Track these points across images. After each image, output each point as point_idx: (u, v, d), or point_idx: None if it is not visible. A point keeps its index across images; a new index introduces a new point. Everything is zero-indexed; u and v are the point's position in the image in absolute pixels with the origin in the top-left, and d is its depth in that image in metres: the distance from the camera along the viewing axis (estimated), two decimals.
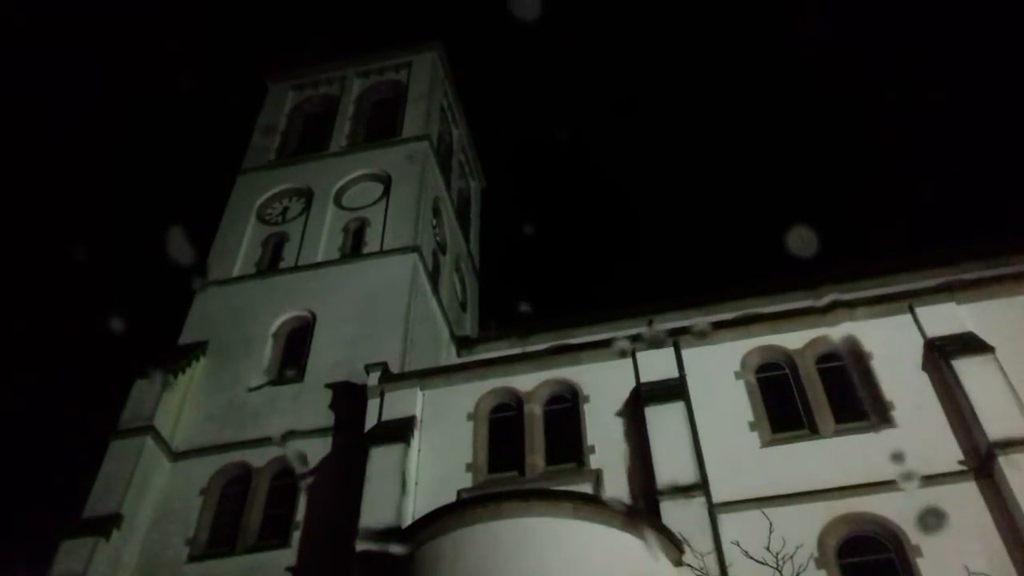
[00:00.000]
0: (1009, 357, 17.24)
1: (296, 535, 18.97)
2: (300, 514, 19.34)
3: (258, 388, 22.35)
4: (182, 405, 22.27)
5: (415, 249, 25.66)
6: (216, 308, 25.14)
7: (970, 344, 17.60)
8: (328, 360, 22.64)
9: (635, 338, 20.11)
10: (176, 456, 21.26)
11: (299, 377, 22.60)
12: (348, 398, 21.22)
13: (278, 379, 22.91)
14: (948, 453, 16.54)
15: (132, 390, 21.84)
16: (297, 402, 21.84)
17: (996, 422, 16.19)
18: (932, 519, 15.51)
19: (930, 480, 16.03)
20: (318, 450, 20.50)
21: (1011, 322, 18.19)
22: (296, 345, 23.80)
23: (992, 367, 17.05)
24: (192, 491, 20.42)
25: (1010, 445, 15.73)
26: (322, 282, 25.10)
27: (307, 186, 28.72)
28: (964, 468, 16.24)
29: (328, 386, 21.95)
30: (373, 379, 20.76)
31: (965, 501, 15.74)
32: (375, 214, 27.23)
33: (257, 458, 20.69)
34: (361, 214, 27.44)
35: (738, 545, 11.71)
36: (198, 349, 23.71)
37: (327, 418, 21.28)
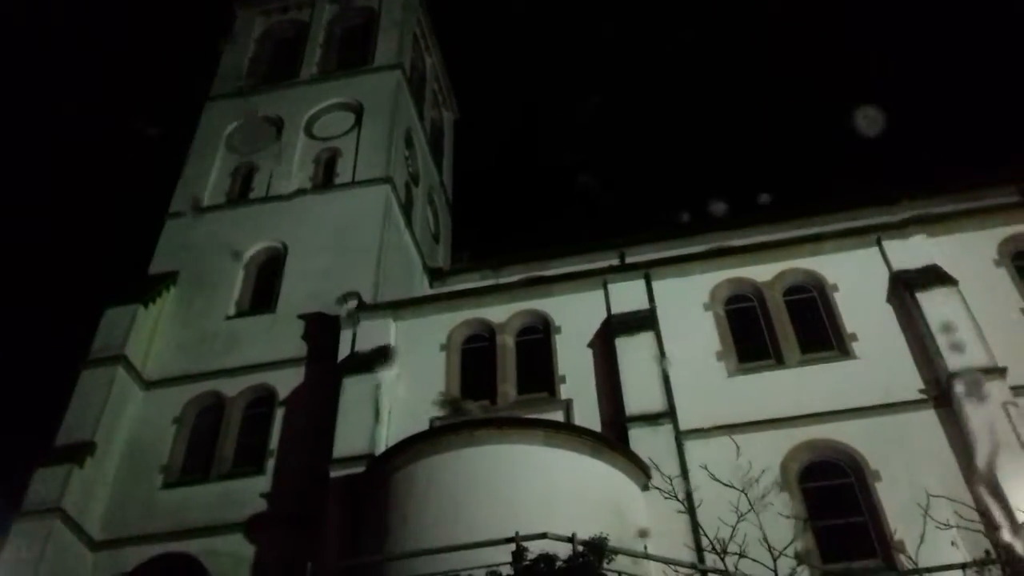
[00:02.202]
0: (973, 290, 17.61)
1: (270, 463, 19.21)
2: (274, 442, 19.56)
3: (232, 318, 22.35)
4: (153, 335, 22.23)
5: (387, 180, 25.48)
6: (186, 238, 24.94)
7: (934, 277, 17.93)
8: (300, 291, 22.63)
9: (606, 270, 20.28)
10: (148, 385, 21.32)
11: (271, 308, 22.59)
12: (321, 329, 21.29)
13: (250, 310, 22.89)
14: (909, 383, 16.97)
15: (102, 319, 21.78)
16: (270, 333, 21.89)
17: (955, 353, 16.60)
18: (891, 446, 16.04)
19: (891, 408, 16.53)
20: (291, 380, 20.64)
21: (977, 256, 18.52)
22: (268, 276, 23.73)
23: (955, 299, 17.41)
24: (165, 420, 20.55)
25: (969, 375, 16.13)
26: (293, 213, 24.92)
27: (277, 115, 28.24)
28: (924, 397, 16.70)
29: (301, 317, 21.98)
30: (346, 309, 20.82)
31: (924, 429, 16.23)
32: (347, 144, 26.91)
33: (230, 387, 20.80)
34: (332, 144, 27.10)
35: (706, 469, 12.03)
36: (168, 279, 23.58)
37: (300, 348, 21.37)
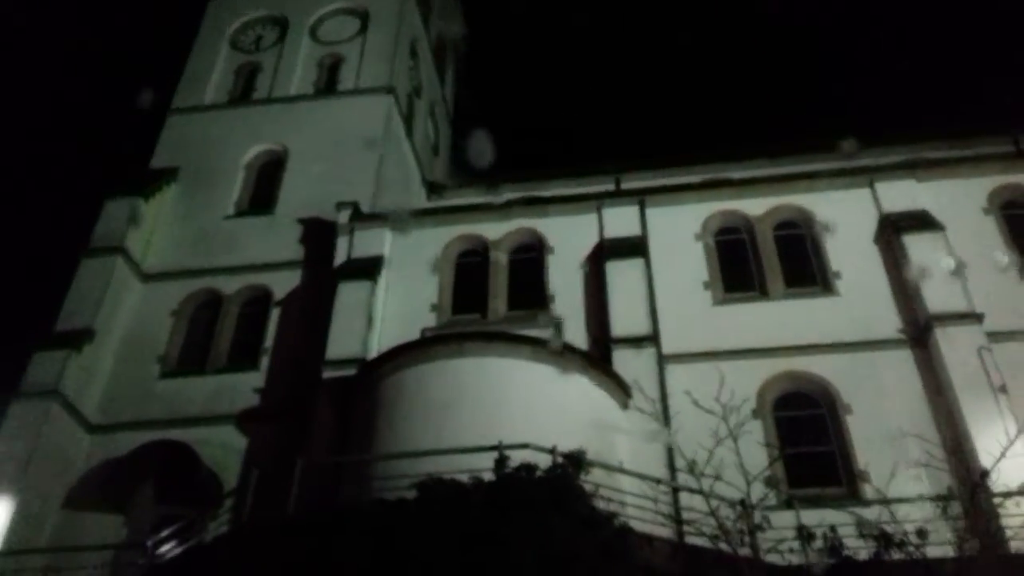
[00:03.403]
0: (959, 236, 17.97)
1: (264, 360, 19.72)
2: (268, 341, 20.04)
3: (231, 218, 22.54)
4: (152, 229, 22.45)
5: (390, 90, 25.36)
6: (187, 135, 24.92)
7: (922, 221, 18.24)
8: (299, 195, 22.79)
9: (602, 195, 20.50)
10: (147, 278, 21.64)
11: (270, 210, 22.77)
12: (318, 234, 21.53)
13: (249, 211, 23.07)
14: (888, 322, 17.44)
15: (103, 210, 21.96)
16: (267, 234, 22.12)
17: (937, 296, 17.04)
18: (865, 381, 16.58)
19: (868, 345, 17.03)
20: (287, 282, 20.99)
21: (966, 203, 18.78)
22: (267, 178, 23.83)
23: (940, 244, 17.77)
24: (163, 312, 20.94)
25: (948, 319, 16.62)
26: (295, 116, 24.86)
27: (282, 14, 27.86)
28: (902, 337, 17.19)
29: (299, 221, 22.20)
30: (343, 217, 21.05)
31: (898, 367, 16.77)
32: (351, 51, 26.67)
33: (227, 285, 21.17)
34: (336, 50, 26.85)
35: (689, 394, 12.47)
36: (169, 175, 23.66)
37: (296, 252, 21.66)
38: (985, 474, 12.27)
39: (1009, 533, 11.97)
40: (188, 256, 21.99)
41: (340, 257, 20.40)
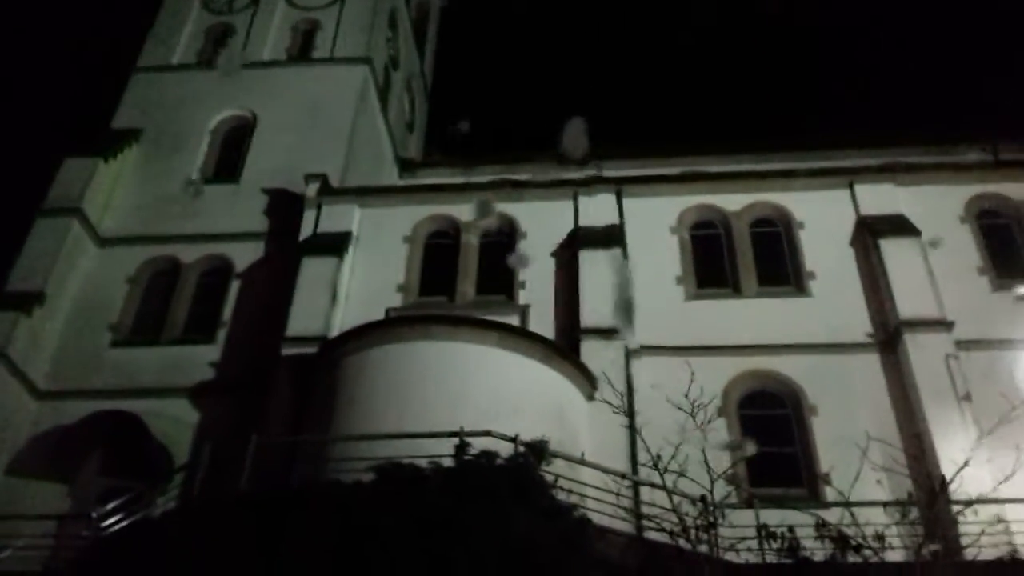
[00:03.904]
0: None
1: (222, 333, 19.20)
2: (227, 313, 19.51)
3: (194, 183, 21.89)
4: (112, 191, 21.75)
5: (367, 61, 24.82)
6: (152, 96, 24.17)
7: (899, 226, 18.18)
8: (266, 165, 22.21)
9: (579, 181, 20.22)
10: (103, 242, 20.98)
11: (235, 178, 22.17)
12: (284, 206, 21.03)
13: (213, 178, 22.45)
14: (858, 325, 17.36)
15: (61, 169, 21.21)
16: (231, 203, 21.56)
17: (908, 302, 16.98)
18: (832, 384, 16.51)
19: (837, 348, 16.96)
20: (250, 254, 20.46)
21: (943, 210, 18.74)
22: (234, 145, 23.21)
23: (915, 250, 17.72)
24: (118, 278, 20.33)
25: (917, 325, 16.59)
26: (266, 83, 24.23)
27: None
28: (871, 341, 17.13)
29: (265, 191, 21.65)
30: (311, 190, 20.57)
31: (866, 371, 16.71)
32: (327, 18, 26.03)
33: (187, 254, 20.61)
34: (312, 15, 26.20)
35: (658, 389, 12.29)
36: (131, 136, 22.95)
37: (261, 223, 21.13)
38: (946, 481, 12.21)
39: (966, 541, 11.90)
40: (147, 222, 21.34)
41: (306, 231, 19.92)
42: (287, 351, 17.40)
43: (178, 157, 22.63)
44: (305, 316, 18.00)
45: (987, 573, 11.11)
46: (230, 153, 22.97)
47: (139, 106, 23.87)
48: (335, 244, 19.37)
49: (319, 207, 20.24)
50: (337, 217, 20.04)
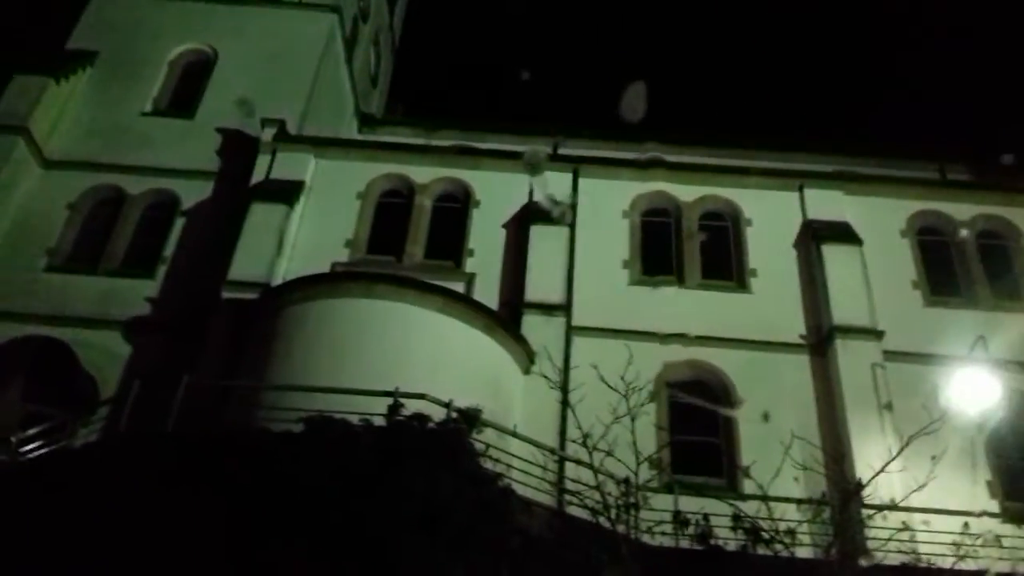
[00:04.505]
0: (875, 254, 18.39)
1: (162, 269, 18.90)
2: (169, 250, 19.18)
3: (147, 115, 21.36)
4: (61, 113, 21.11)
5: (336, 9, 24.38)
6: (111, 19, 23.37)
7: (843, 233, 18.61)
8: (223, 103, 21.72)
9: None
10: (48, 164, 20.39)
11: (190, 114, 21.68)
12: (238, 148, 20.66)
13: (167, 111, 21.91)
14: (792, 326, 17.78)
15: (10, 85, 20.49)
16: (184, 139, 21.08)
17: (843, 309, 17.44)
18: (761, 380, 16.89)
19: (769, 346, 17.35)
20: (198, 192, 20.11)
21: (887, 223, 19.24)
22: (192, 80, 22.64)
23: (855, 259, 18.17)
24: (60, 202, 19.82)
25: (849, 332, 17.06)
26: (231, 20, 23.58)
27: None
28: (803, 342, 17.57)
29: (219, 130, 21.22)
30: (267, 134, 20.27)
31: (795, 371, 17.14)
32: None
33: (133, 185, 20.16)
34: None
35: (594, 368, 12.42)
36: (86, 59, 22.23)
37: (212, 162, 20.76)
38: (860, 485, 12.63)
39: (873, 545, 12.35)
40: (96, 148, 20.76)
41: (258, 176, 19.64)
42: (227, 295, 17.21)
43: (133, 85, 22.00)
44: (249, 261, 17.79)
45: None
46: (187, 88, 22.41)
47: (97, 29, 23.08)
48: (287, 192, 19.13)
49: (274, 153, 19.96)
50: (291, 165, 19.77)
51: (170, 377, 13.80)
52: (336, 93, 24.94)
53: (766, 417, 15.30)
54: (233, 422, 13.63)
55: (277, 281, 17.39)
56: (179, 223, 19.65)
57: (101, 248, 19.28)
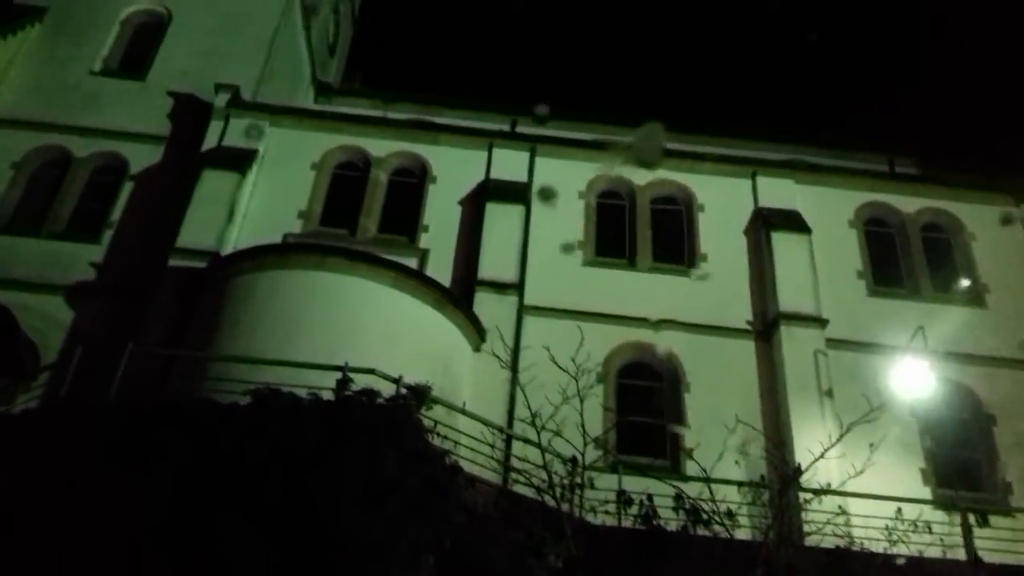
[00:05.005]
0: (822, 243, 18.73)
1: (108, 234, 18.50)
2: (116, 215, 18.77)
3: (97, 75, 20.79)
4: (7, 70, 20.47)
5: None
6: None
7: (792, 222, 18.92)
8: (176, 66, 21.29)
9: (496, 133, 20.26)
10: None
11: (141, 76, 21.16)
12: (190, 112, 20.27)
13: (118, 71, 21.35)
14: (740, 312, 18.06)
15: None
16: (134, 101, 20.59)
17: (789, 296, 17.77)
18: (708, 364, 17.17)
19: (717, 331, 17.61)
20: (147, 156, 19.69)
21: (835, 212, 19.58)
22: (144, 40, 22.07)
23: (803, 247, 18.49)
24: (2, 162, 19.26)
25: (794, 319, 17.39)
26: None
27: None
28: (749, 328, 17.87)
29: (171, 94, 20.76)
30: (221, 100, 19.93)
31: (741, 356, 17.43)
32: None
33: (80, 147, 19.68)
34: None
35: (545, 348, 12.49)
36: (35, 14, 21.56)
37: (163, 127, 20.32)
38: (799, 470, 12.93)
39: (810, 528, 12.66)
40: (42, 107, 20.18)
41: (210, 142, 19.33)
42: (175, 262, 16.95)
43: (83, 44, 21.42)
44: (198, 229, 17.51)
45: (825, 559, 11.85)
46: (139, 48, 21.84)
47: None
48: (239, 160, 18.84)
49: (227, 119, 19.65)
50: (244, 132, 19.45)
51: (114, 344, 13.60)
52: (293, 60, 24.53)
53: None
54: (178, 392, 13.44)
55: (227, 250, 17.16)
56: (127, 187, 19.21)
57: (45, 210, 18.80)
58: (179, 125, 20.22)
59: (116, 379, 12.75)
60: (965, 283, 18.53)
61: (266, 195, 18.84)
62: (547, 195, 19.36)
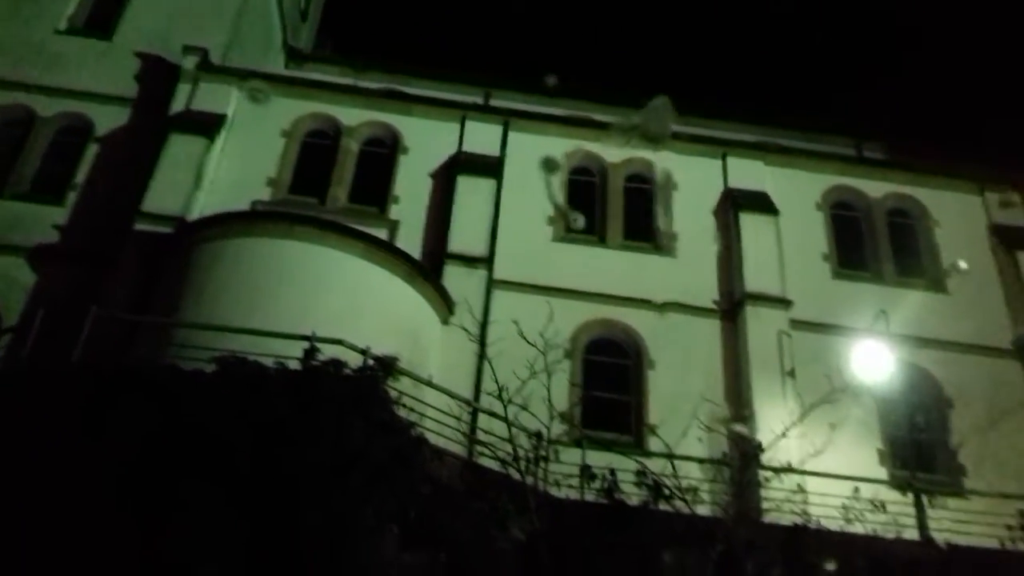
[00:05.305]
0: (789, 225, 18.92)
1: (72, 196, 18.17)
2: (81, 176, 18.44)
3: (62, 34, 20.31)
4: None
5: None
6: None
7: (760, 203, 19.09)
8: (144, 26, 20.85)
9: (469, 106, 20.16)
10: None
11: (108, 35, 20.70)
12: (158, 74, 19.87)
13: (84, 30, 20.86)
14: (707, 291, 18.21)
15: None
16: (100, 61, 20.16)
17: (755, 277, 17.96)
18: (673, 342, 17.33)
19: (684, 309, 17.76)
20: (113, 118, 19.32)
21: (803, 195, 19.76)
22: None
23: (770, 229, 18.67)
24: None
25: (760, 299, 17.60)
26: None
27: None
28: (715, 307, 18.04)
29: (138, 55, 20.35)
30: (190, 62, 19.60)
31: (706, 335, 17.61)
32: None
33: (44, 107, 19.26)
34: None
35: (513, 323, 12.52)
36: None
37: (130, 88, 19.91)
38: (760, 448, 13.17)
39: (768, 505, 12.90)
40: (5, 65, 19.62)
41: (177, 105, 19.01)
42: (140, 227, 16.74)
43: (48, 2, 20.87)
44: (164, 194, 17.28)
45: (783, 536, 12.10)
46: (105, 7, 21.29)
47: None
48: (207, 124, 18.57)
49: (195, 82, 19.33)
50: (213, 97, 19.21)
51: (77, 308, 13.42)
52: (263, 25, 24.13)
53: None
54: (142, 358, 13.30)
55: (194, 216, 16.95)
56: (92, 149, 18.86)
57: (7, 171, 18.38)
58: (146, 87, 19.84)
59: (79, 343, 12.57)
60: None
61: (235, 162, 18.61)
62: (551, 166, 19.34)
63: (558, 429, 12.33)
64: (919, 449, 16.76)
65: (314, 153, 19.24)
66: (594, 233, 19.00)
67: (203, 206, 17.47)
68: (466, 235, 17.70)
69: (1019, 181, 20.48)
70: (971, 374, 17.49)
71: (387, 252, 16.05)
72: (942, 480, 16.32)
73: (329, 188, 18.61)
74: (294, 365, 11.72)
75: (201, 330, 13.07)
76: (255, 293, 14.34)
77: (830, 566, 11.96)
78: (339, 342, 12.18)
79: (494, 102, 21.48)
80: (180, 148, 17.97)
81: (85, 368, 12.13)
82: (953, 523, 13.48)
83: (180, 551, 9.94)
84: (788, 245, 18.56)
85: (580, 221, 18.70)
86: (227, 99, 19.26)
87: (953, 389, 17.43)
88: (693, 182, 19.67)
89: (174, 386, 11.24)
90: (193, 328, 13.41)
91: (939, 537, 13.34)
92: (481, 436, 13.19)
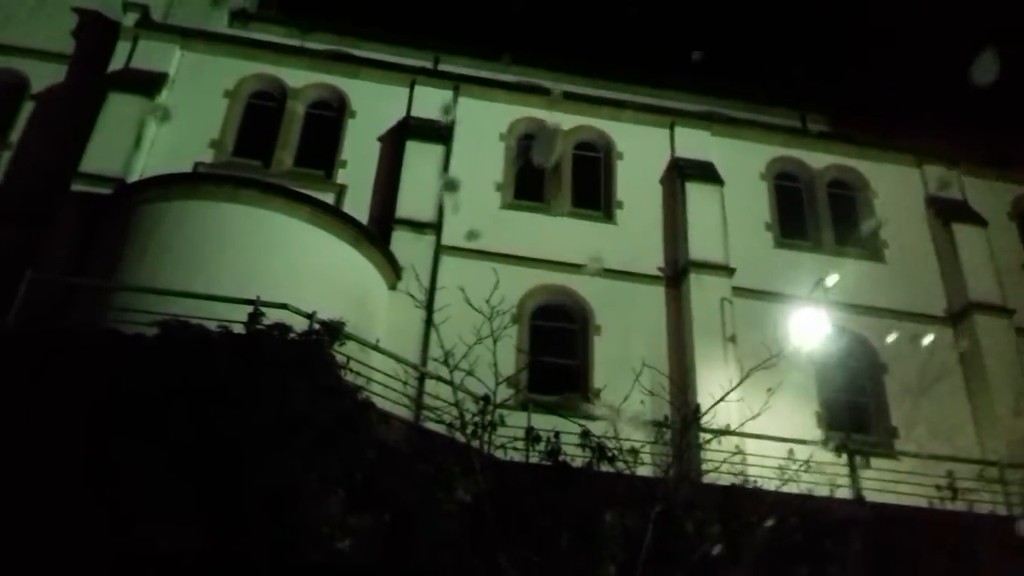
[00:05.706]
0: (733, 194, 19.21)
1: (6, 155, 17.70)
2: (15, 135, 17.95)
3: None
4: None
5: None
6: None
7: (706, 173, 19.34)
8: None
9: (418, 70, 19.96)
10: None
11: None
12: (96, 31, 19.35)
13: None
14: (652, 258, 18.49)
15: None
16: (35, 15, 19.51)
17: (699, 245, 18.24)
18: (619, 308, 17.58)
19: (629, 276, 18.00)
20: (49, 75, 18.79)
21: (747, 165, 20.09)
22: None
23: (715, 198, 18.96)
24: None
25: (703, 267, 17.91)
26: None
27: None
28: (660, 275, 18.30)
29: (76, 10, 19.76)
30: (129, 19, 19.10)
31: (650, 301, 17.90)
32: None
33: None
34: None
35: (460, 289, 12.51)
36: None
37: (66, 44, 19.44)
38: (699, 411, 13.43)
39: (708, 467, 13.20)
40: None
41: (116, 63, 18.53)
42: (77, 188, 16.34)
43: None
44: (103, 154, 16.87)
45: (721, 496, 12.42)
46: None
47: None
48: (148, 83, 18.13)
49: (135, 40, 18.85)
50: (154, 55, 18.77)
51: (11, 271, 13.05)
52: None
53: None
54: (80, 322, 13.05)
55: (133, 177, 16.62)
56: (27, 107, 18.34)
57: None
58: (84, 44, 19.34)
59: (14, 307, 12.26)
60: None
61: (177, 122, 18.19)
62: (500, 132, 19.24)
63: (505, 393, 12.38)
64: (854, 412, 17.29)
65: (259, 115, 18.94)
66: (542, 200, 19.06)
67: (144, 167, 17.13)
68: (414, 200, 17.64)
69: (956, 156, 21.04)
70: (905, 340, 18.03)
71: (333, 216, 15.94)
72: (876, 442, 16.87)
73: (274, 151, 18.35)
74: (238, 330, 11.58)
75: (142, 294, 12.83)
76: (198, 256, 14.13)
77: (766, 524, 12.29)
78: (284, 306, 12.08)
79: (443, 67, 21.27)
80: (119, 107, 17.53)
81: (20, 333, 11.84)
82: (885, 483, 13.95)
83: (125, 514, 9.85)
84: (732, 214, 18.86)
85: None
86: (168, 57, 18.81)
87: (888, 355, 17.98)
88: (640, 151, 19.83)
89: (114, 350, 11.05)
90: (134, 291, 13.13)
91: (871, 497, 13.80)
92: (428, 400, 13.23)
